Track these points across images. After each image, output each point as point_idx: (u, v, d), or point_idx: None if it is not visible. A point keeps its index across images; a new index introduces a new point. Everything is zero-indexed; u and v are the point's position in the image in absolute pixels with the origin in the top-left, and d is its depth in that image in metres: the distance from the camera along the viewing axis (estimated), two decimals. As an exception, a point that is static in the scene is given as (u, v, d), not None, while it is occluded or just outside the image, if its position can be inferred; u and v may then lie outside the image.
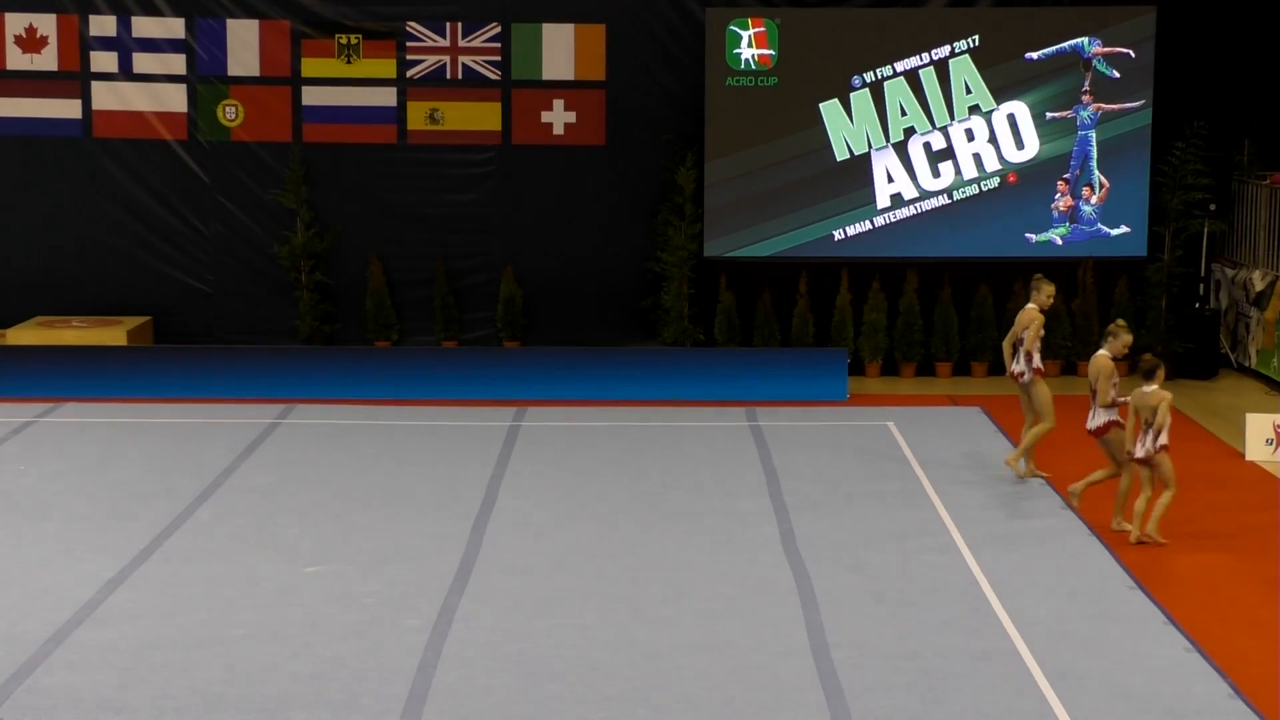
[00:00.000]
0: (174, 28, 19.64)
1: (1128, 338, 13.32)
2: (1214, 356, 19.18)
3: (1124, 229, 19.23)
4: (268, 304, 20.06)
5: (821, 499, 13.78)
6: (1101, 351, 13.23)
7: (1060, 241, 19.20)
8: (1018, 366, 14.32)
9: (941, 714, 9.31)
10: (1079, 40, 19.03)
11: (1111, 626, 10.72)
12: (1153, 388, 12.74)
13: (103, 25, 19.61)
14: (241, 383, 17.77)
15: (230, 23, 19.63)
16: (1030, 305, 14.36)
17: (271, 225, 19.96)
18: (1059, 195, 19.18)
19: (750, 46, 19.01)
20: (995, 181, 19.17)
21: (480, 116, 19.84)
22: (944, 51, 19.01)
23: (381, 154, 19.91)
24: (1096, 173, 19.13)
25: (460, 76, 19.77)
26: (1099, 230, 19.23)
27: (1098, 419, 13.19)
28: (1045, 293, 14.37)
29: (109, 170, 19.81)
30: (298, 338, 19.89)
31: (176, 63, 19.69)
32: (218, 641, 10.37)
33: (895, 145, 19.09)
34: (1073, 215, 19.22)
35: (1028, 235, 19.20)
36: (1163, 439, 12.67)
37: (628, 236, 19.94)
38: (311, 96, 19.82)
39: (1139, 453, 12.74)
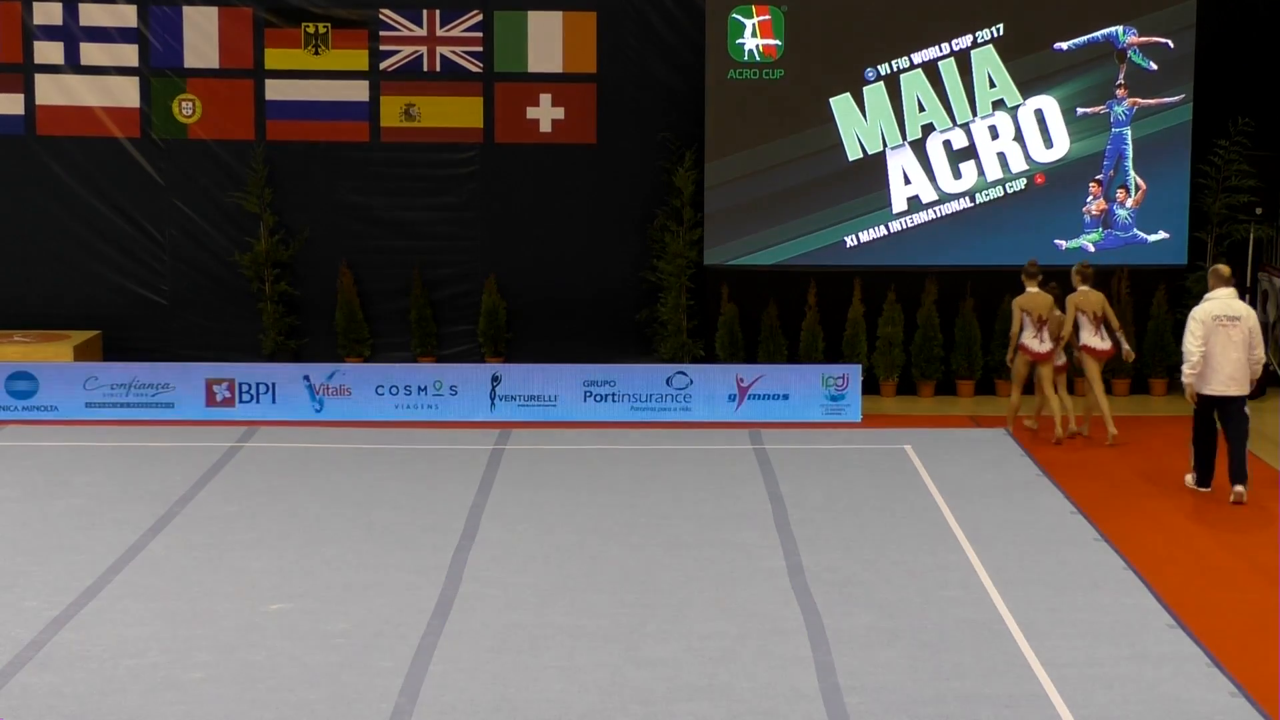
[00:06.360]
0: (125, 15, 19.66)
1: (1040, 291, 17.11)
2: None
3: (1162, 235, 19.27)
4: (228, 316, 20.07)
5: (832, 529, 13.77)
6: (1083, 288, 16.88)
7: (1092, 248, 19.24)
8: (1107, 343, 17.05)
9: (965, 764, 9.31)
10: (1113, 29, 19.08)
11: (1150, 669, 10.71)
12: (1036, 289, 17.00)
13: (47, 13, 19.63)
14: (199, 402, 17.76)
15: (187, 10, 19.65)
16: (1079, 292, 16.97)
17: (232, 231, 19.98)
18: (1091, 198, 19.22)
19: (754, 36, 19.05)
20: (1021, 183, 19.21)
21: (460, 112, 19.87)
22: (965, 41, 19.06)
23: (352, 153, 19.94)
24: (1132, 174, 19.18)
25: (438, 69, 19.80)
26: (1135, 236, 19.27)
27: (1047, 345, 16.98)
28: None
29: (54, 171, 19.82)
30: (261, 353, 19.90)
31: (128, 54, 19.71)
32: (173, 686, 10.35)
33: (912, 144, 19.14)
34: (1106, 220, 19.26)
35: (1057, 242, 19.24)
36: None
37: (621, 243, 19.96)
38: (275, 91, 19.85)
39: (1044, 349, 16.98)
